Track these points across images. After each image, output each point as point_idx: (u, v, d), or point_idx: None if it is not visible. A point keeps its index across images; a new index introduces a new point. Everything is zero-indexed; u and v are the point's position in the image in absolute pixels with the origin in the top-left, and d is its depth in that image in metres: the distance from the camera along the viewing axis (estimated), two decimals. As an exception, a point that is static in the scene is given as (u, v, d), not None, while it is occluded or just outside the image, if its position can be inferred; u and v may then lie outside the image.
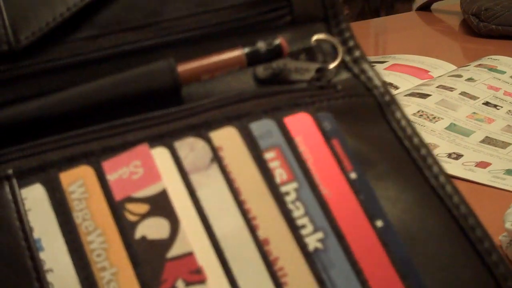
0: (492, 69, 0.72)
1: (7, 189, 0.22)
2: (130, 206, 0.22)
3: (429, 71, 0.74)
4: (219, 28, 0.27)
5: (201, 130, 0.24)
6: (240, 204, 0.23)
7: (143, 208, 0.22)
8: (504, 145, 0.56)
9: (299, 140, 0.24)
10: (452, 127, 0.58)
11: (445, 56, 0.81)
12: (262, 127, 0.24)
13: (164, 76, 0.25)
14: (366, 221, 0.24)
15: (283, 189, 0.24)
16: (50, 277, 0.21)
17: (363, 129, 0.26)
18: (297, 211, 0.23)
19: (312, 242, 0.23)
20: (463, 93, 0.65)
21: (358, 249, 0.23)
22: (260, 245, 0.22)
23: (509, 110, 0.63)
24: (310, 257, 0.23)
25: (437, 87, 0.65)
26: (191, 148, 0.23)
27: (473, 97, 0.64)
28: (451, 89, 0.65)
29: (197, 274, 0.22)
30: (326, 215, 0.23)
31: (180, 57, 0.26)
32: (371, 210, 0.24)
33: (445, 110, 0.61)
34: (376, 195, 0.24)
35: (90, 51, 0.25)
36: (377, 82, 0.28)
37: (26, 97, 0.24)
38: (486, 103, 0.64)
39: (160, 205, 0.22)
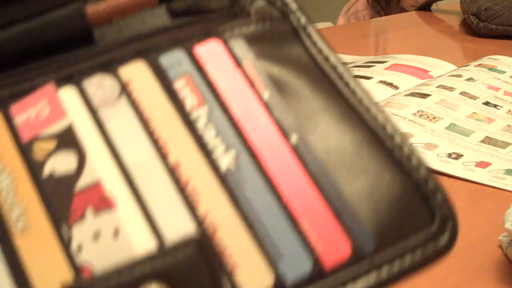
0: (492, 69, 0.72)
1: None
2: (38, 144, 0.22)
3: (429, 71, 0.75)
4: None
5: (110, 67, 0.24)
6: (150, 133, 0.23)
7: (50, 144, 0.22)
8: (504, 145, 0.56)
9: (210, 66, 0.24)
10: (452, 127, 0.58)
11: (445, 56, 0.81)
12: (171, 57, 0.24)
13: (74, 22, 0.25)
14: (280, 137, 0.24)
15: (194, 114, 0.24)
16: None
17: (277, 53, 0.26)
18: (208, 134, 0.24)
19: (225, 161, 0.23)
20: (463, 93, 0.65)
21: (272, 165, 0.23)
22: (171, 169, 0.23)
23: (509, 110, 0.63)
24: (222, 175, 0.23)
25: (437, 87, 0.65)
26: (99, 84, 0.23)
27: (473, 97, 0.65)
28: (451, 89, 0.65)
29: (105, 201, 0.22)
30: (238, 134, 0.24)
31: None
32: (285, 126, 0.24)
33: (445, 110, 0.61)
34: (291, 112, 0.24)
35: None
36: (293, 6, 0.27)
37: None
38: (486, 103, 0.64)
39: (67, 139, 0.22)
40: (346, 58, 0.84)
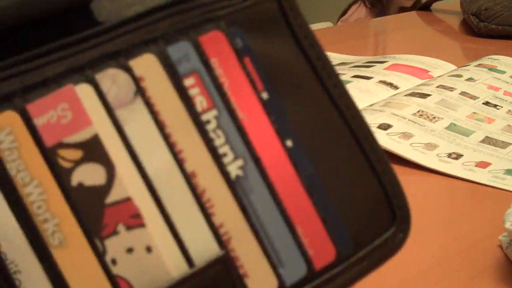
0: (492, 69, 0.72)
1: None
2: (63, 152, 0.22)
3: (429, 71, 0.74)
4: None
5: (120, 58, 0.23)
6: (166, 137, 0.23)
7: (76, 154, 0.22)
8: (504, 145, 0.56)
9: (214, 62, 0.24)
10: (452, 127, 0.58)
11: (445, 56, 0.81)
12: (179, 50, 0.24)
13: None
14: (278, 142, 0.25)
15: (204, 117, 0.24)
16: None
17: (270, 42, 0.26)
18: (218, 140, 0.24)
19: (234, 170, 0.24)
20: (463, 93, 0.65)
21: (273, 172, 0.24)
22: (189, 179, 0.23)
23: (509, 110, 0.63)
24: (232, 185, 0.24)
25: (437, 87, 0.65)
26: (113, 80, 0.23)
27: (473, 97, 0.65)
28: (451, 89, 0.65)
29: (136, 218, 0.22)
30: (245, 142, 0.24)
31: None
32: (282, 130, 0.25)
33: (445, 110, 0.61)
34: (286, 114, 0.25)
35: None
36: None
37: None
38: (486, 103, 0.64)
39: (93, 150, 0.22)
40: (346, 58, 0.84)
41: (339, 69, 0.74)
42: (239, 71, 0.25)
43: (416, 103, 0.61)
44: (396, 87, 0.69)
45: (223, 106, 0.24)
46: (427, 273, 0.37)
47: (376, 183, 0.26)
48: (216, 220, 0.23)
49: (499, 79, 0.70)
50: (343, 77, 0.70)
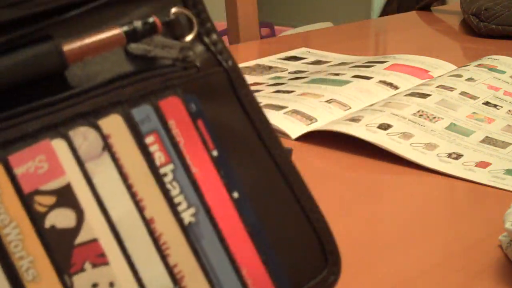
0: (492, 69, 0.72)
1: None
2: (39, 198, 0.25)
3: (429, 71, 0.75)
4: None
5: (90, 117, 0.27)
6: (129, 187, 0.26)
7: (50, 200, 0.25)
8: (504, 145, 0.56)
9: (172, 123, 0.28)
10: (452, 127, 0.58)
11: (445, 56, 0.81)
12: (142, 112, 0.28)
13: (51, 59, 0.26)
14: (226, 193, 0.28)
15: (162, 171, 0.27)
16: None
17: (220, 108, 0.30)
18: (174, 190, 0.27)
19: (187, 217, 0.27)
20: (463, 93, 0.65)
21: (221, 220, 0.28)
22: (148, 224, 0.26)
23: (509, 110, 0.63)
24: (185, 230, 0.27)
25: (437, 87, 0.65)
26: (84, 137, 0.26)
27: (473, 97, 0.65)
28: (451, 89, 0.65)
29: (101, 257, 0.25)
30: (197, 192, 0.28)
31: (56, 30, 0.28)
32: (230, 183, 0.29)
33: (445, 110, 0.61)
34: (233, 170, 0.29)
35: None
36: (226, 55, 0.31)
37: None
38: (486, 103, 0.64)
39: (65, 197, 0.25)
40: (346, 58, 0.84)
41: (339, 69, 0.74)
42: (193, 131, 0.29)
43: (416, 103, 0.61)
44: (396, 87, 0.69)
45: (179, 161, 0.28)
46: (427, 273, 0.37)
47: (310, 230, 0.30)
48: (171, 260, 0.26)
49: (499, 79, 0.70)
50: (343, 77, 0.70)
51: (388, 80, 0.70)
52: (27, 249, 0.24)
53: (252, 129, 0.30)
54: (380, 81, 0.70)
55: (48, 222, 0.25)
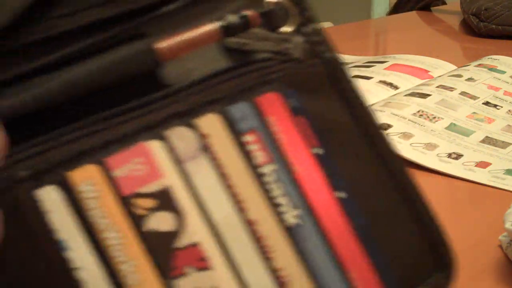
0: (492, 69, 0.72)
1: (23, 192, 0.23)
2: (138, 201, 0.24)
3: (429, 71, 0.74)
4: None
5: (186, 117, 0.25)
6: (229, 188, 0.25)
7: (150, 203, 0.24)
8: (504, 145, 0.56)
9: (271, 121, 0.27)
10: (452, 127, 0.58)
11: (445, 56, 0.81)
12: (239, 110, 0.26)
13: (144, 59, 0.25)
14: (331, 193, 0.27)
15: (263, 170, 0.26)
16: (80, 275, 0.23)
17: (322, 102, 0.28)
18: (276, 191, 0.26)
19: (290, 218, 0.26)
20: (463, 93, 0.65)
21: (326, 221, 0.26)
22: (250, 226, 0.25)
23: (509, 110, 0.63)
24: (289, 232, 0.26)
25: (437, 87, 0.65)
26: (181, 138, 0.25)
27: (473, 97, 0.65)
28: (451, 89, 0.65)
29: (203, 261, 0.24)
30: (300, 193, 0.26)
31: (154, 27, 0.26)
32: (335, 182, 0.27)
33: (445, 110, 0.61)
34: (338, 168, 0.27)
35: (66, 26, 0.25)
36: (326, 46, 0.29)
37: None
38: (486, 103, 0.64)
39: (166, 199, 0.24)
40: (346, 58, 0.84)
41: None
42: (294, 128, 0.27)
43: (416, 103, 0.61)
44: (396, 87, 0.69)
45: (280, 160, 0.26)
46: (427, 273, 0.37)
47: (420, 232, 0.28)
48: (275, 264, 0.25)
49: (499, 79, 0.70)
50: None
51: (388, 80, 0.70)
52: (127, 253, 0.23)
53: (356, 125, 0.28)
54: (380, 81, 0.70)
55: (148, 225, 0.24)
